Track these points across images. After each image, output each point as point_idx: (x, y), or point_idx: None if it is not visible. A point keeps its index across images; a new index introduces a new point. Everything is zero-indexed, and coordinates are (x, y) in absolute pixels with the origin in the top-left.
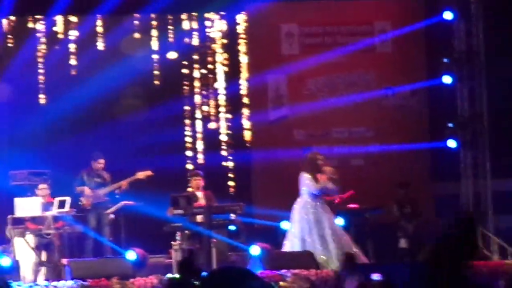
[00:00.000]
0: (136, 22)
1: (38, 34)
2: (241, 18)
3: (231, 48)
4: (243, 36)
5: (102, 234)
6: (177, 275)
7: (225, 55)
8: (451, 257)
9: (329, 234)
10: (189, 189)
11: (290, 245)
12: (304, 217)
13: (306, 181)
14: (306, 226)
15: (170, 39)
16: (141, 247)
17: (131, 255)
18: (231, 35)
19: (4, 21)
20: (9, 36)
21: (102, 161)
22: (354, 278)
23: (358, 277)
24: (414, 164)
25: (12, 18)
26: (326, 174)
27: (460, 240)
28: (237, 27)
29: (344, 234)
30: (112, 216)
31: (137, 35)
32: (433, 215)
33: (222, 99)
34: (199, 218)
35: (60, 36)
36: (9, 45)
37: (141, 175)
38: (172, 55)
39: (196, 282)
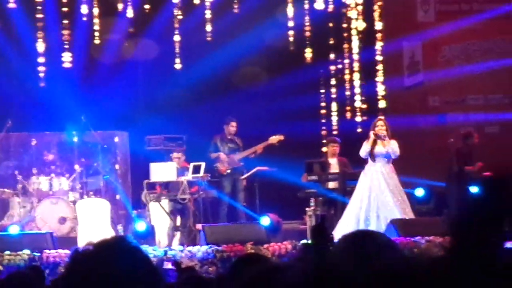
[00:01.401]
0: None
1: (174, 0)
2: None
3: (366, 15)
4: (378, 2)
5: (237, 200)
6: (310, 241)
7: (360, 22)
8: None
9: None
10: (324, 155)
11: None
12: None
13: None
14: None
15: (305, 5)
16: (276, 212)
17: (265, 220)
18: (366, 1)
19: None
20: (145, 2)
21: (234, 123)
22: None
23: None
24: None
25: None
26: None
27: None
28: None
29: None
30: (244, 182)
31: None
32: None
33: (356, 66)
34: (333, 184)
35: (196, 1)
36: (146, 11)
37: (273, 139)
38: (307, 20)
39: (330, 248)
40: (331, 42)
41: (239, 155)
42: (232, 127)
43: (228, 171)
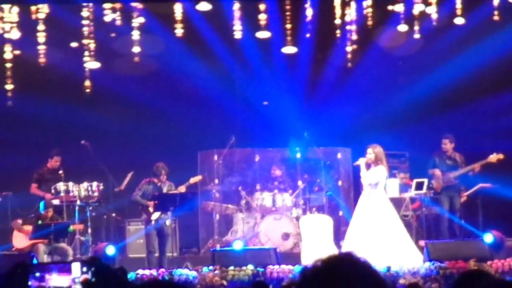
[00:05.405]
0: (495, 3)
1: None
2: None
3: None
4: None
5: (456, 216)
6: None
7: None
8: None
9: None
10: None
11: None
12: None
13: None
14: None
15: None
16: (499, 229)
17: (488, 237)
18: None
19: (365, 4)
20: (369, 17)
21: (446, 141)
22: None
23: None
24: None
25: (369, 2)
26: None
27: None
28: None
29: None
30: (464, 198)
31: (496, 18)
32: None
33: None
34: None
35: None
36: (369, 27)
37: (493, 158)
38: None
39: None
40: None
41: (456, 172)
42: (444, 144)
43: (438, 190)
